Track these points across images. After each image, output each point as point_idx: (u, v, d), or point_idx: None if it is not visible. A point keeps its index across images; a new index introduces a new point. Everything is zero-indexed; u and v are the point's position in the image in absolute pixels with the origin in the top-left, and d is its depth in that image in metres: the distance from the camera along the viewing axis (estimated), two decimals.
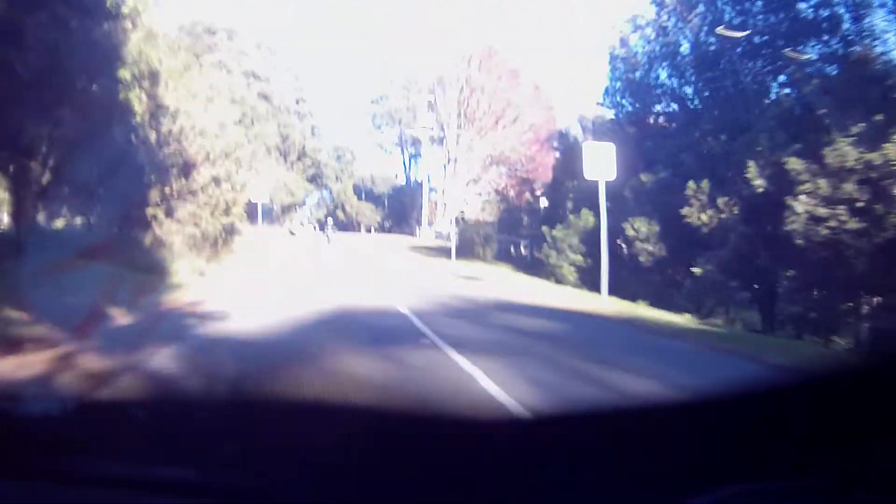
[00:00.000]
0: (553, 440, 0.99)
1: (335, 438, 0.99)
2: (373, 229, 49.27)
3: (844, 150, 12.32)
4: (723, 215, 15.85)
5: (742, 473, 0.86)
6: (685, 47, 22.67)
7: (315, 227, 63.64)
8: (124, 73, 10.52)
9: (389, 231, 55.64)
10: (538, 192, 34.64)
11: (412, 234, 47.33)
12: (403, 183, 61.94)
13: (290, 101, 45.88)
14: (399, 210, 58.92)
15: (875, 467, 0.84)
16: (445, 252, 26.48)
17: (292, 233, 42.66)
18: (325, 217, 60.99)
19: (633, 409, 1.11)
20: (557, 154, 32.55)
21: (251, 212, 29.42)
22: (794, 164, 13.23)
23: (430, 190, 60.97)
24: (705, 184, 16.34)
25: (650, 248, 18.66)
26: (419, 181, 58.67)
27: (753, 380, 1.04)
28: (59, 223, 16.79)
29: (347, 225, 61.93)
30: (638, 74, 24.16)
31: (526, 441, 1.00)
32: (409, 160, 58.62)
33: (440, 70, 39.85)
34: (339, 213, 61.84)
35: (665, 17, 22.84)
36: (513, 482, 0.92)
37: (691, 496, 0.84)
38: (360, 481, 0.95)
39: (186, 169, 13.89)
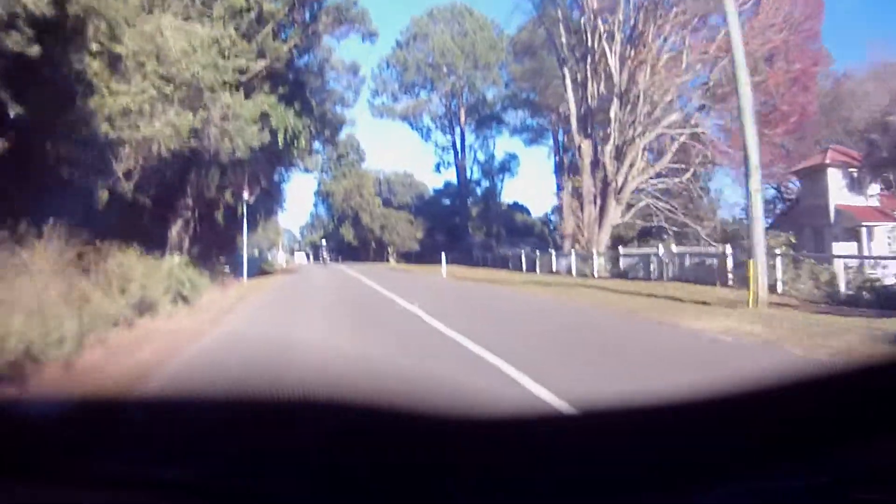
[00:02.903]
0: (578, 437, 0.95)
1: (343, 436, 0.94)
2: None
3: None
4: None
5: (742, 473, 0.87)
6: None
7: (308, 256, 42.25)
8: None
9: (426, 260, 32.95)
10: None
11: (480, 262, 25.82)
12: (451, 183, 40.16)
13: None
14: (442, 226, 37.03)
15: (875, 466, 0.84)
16: None
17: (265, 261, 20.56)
18: (322, 239, 39.39)
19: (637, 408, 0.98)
20: None
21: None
22: None
23: (482, 192, 39.81)
24: None
25: None
26: (489, 178, 37.15)
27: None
28: None
29: (359, 251, 39.81)
30: None
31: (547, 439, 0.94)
32: (461, 142, 37.08)
33: None
34: (345, 232, 39.49)
35: None
36: (519, 481, 0.89)
37: (690, 496, 0.85)
38: (377, 483, 0.90)
39: None
